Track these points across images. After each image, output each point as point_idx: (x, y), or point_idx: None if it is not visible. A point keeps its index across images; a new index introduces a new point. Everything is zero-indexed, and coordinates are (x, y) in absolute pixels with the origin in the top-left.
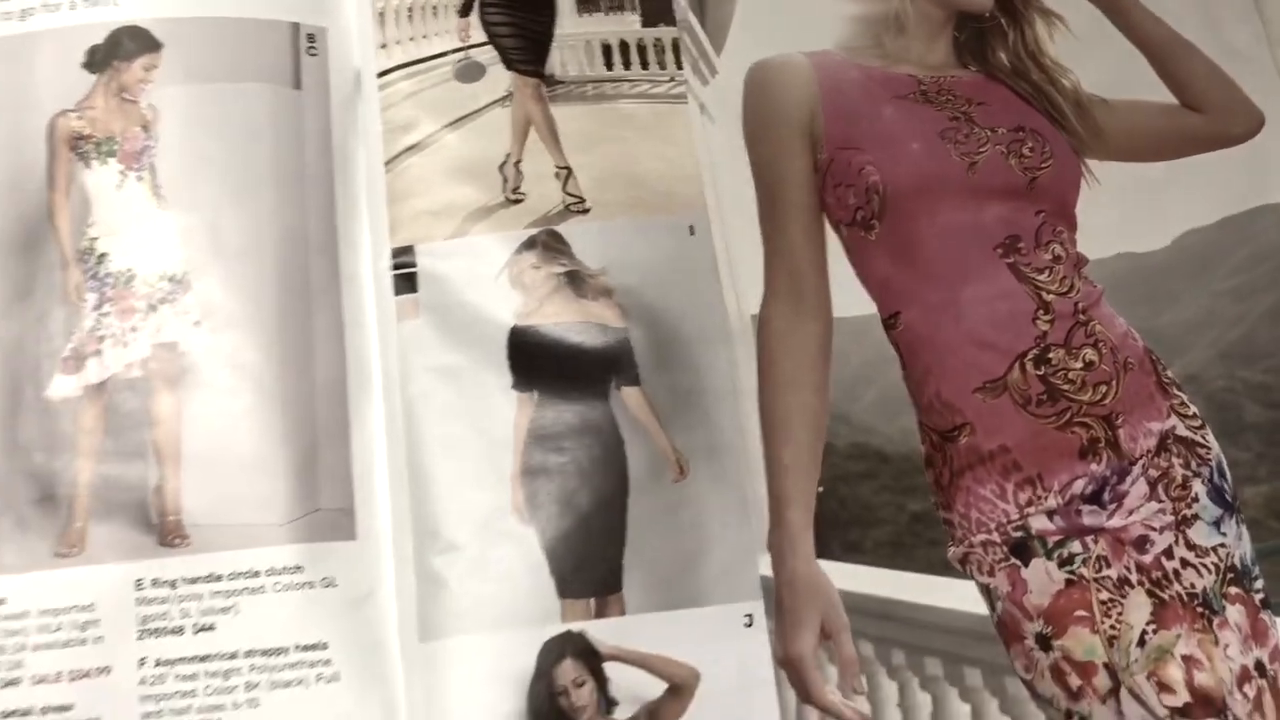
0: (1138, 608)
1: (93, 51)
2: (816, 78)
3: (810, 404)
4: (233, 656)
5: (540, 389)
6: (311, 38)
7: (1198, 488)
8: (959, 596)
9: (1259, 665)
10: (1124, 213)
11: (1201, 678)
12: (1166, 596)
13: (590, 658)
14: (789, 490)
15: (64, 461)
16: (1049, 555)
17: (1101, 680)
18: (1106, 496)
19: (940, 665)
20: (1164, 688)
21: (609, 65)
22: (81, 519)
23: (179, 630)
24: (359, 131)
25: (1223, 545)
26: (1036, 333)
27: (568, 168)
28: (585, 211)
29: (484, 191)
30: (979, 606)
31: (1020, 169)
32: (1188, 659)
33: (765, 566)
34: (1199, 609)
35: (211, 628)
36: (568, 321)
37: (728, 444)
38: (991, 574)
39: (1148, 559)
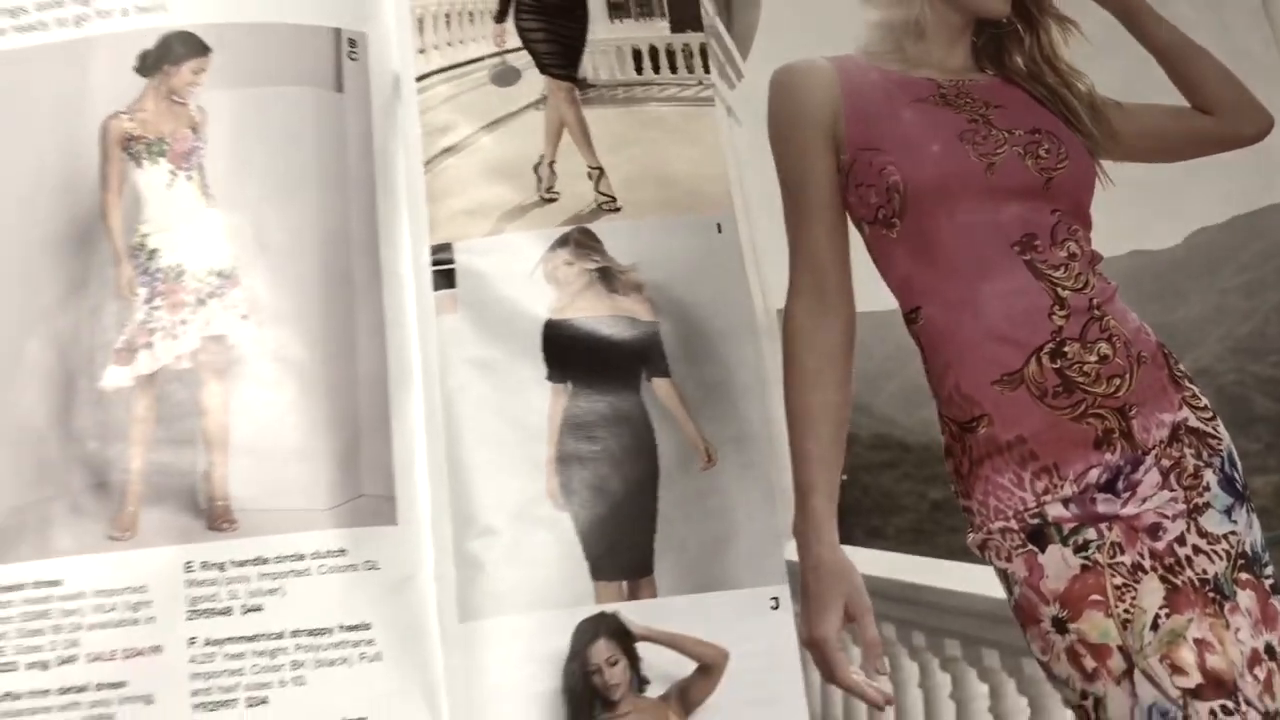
0: (1151, 593)
1: (144, 56)
2: (839, 81)
3: (833, 398)
4: (279, 636)
5: (573, 380)
6: (353, 43)
7: (1209, 477)
8: (978, 581)
9: (1269, 649)
10: (1137, 212)
11: (1213, 660)
12: (1179, 582)
13: (623, 638)
14: (813, 479)
15: (117, 449)
16: (1065, 542)
17: (1116, 662)
18: (1120, 485)
19: (960, 647)
20: (1176, 670)
21: (639, 70)
22: (134, 504)
23: (227, 611)
24: (399, 133)
25: (1234, 533)
26: (1052, 327)
27: (599, 168)
28: (616, 210)
29: (519, 191)
30: (997, 591)
31: (1037, 169)
32: (1199, 642)
33: (791, 551)
34: (1210, 594)
35: (259, 608)
36: (600, 315)
37: (754, 434)
38: (1009, 559)
39: (1160, 545)
